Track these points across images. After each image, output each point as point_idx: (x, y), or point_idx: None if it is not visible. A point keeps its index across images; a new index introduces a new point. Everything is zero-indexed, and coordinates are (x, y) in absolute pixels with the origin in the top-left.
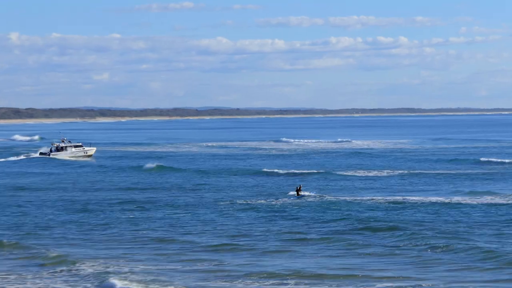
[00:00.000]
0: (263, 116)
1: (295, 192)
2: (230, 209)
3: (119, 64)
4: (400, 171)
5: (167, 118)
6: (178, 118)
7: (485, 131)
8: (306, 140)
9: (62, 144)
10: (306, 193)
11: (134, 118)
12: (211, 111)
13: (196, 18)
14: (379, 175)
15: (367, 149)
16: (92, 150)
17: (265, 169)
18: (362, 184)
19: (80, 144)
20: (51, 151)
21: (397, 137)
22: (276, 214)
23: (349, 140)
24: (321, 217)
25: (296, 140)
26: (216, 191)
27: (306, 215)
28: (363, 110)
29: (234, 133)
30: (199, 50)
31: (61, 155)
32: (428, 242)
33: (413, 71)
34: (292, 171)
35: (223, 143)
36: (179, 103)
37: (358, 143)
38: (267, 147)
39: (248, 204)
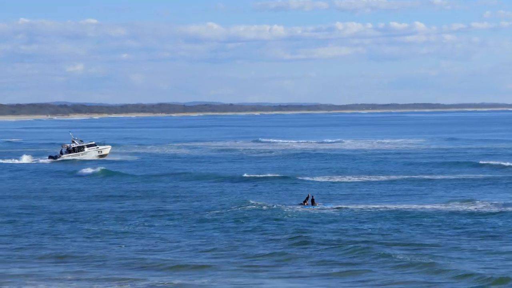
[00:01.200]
0: (258, 113)
1: (303, 203)
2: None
3: (95, 54)
4: (370, 176)
5: (150, 114)
6: (163, 115)
7: (510, 130)
8: (287, 141)
9: (74, 145)
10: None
11: (113, 115)
12: (200, 107)
13: (183, 1)
14: (341, 180)
15: (354, 150)
16: (106, 149)
17: (222, 173)
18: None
19: (93, 143)
20: (61, 153)
21: (404, 136)
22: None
23: (341, 140)
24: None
25: (276, 140)
26: (162, 199)
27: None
28: (374, 106)
29: (213, 131)
30: (187, 38)
31: (74, 157)
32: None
33: (431, 62)
34: (245, 175)
35: (192, 144)
36: (164, 98)
37: (349, 144)
38: (240, 148)
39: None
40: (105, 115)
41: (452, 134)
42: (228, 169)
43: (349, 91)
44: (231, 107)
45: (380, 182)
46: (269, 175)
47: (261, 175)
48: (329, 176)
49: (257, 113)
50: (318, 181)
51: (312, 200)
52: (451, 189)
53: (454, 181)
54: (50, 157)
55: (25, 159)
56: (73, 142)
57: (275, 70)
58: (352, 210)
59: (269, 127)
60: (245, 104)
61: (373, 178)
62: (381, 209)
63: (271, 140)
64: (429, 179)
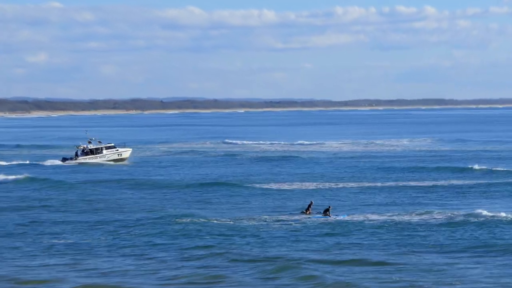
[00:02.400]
0: (242, 111)
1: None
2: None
3: (60, 42)
4: (328, 183)
5: (123, 112)
6: (138, 112)
7: None
8: (258, 142)
9: (91, 146)
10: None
11: (81, 112)
12: (180, 103)
13: None
14: (291, 187)
15: (329, 153)
16: (126, 152)
17: (164, 180)
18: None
19: (113, 144)
20: (76, 155)
21: (401, 137)
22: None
23: (321, 142)
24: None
25: (246, 141)
26: (79, 211)
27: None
28: (377, 102)
29: (182, 131)
30: (164, 24)
31: (91, 160)
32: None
33: (443, 51)
34: (177, 180)
35: (150, 146)
36: (139, 93)
37: (329, 146)
38: (200, 150)
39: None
40: (71, 113)
41: (461, 134)
42: (174, 174)
43: (349, 85)
44: (215, 104)
45: (334, 189)
46: (217, 181)
47: (206, 182)
48: (281, 183)
49: (241, 110)
50: (268, 188)
51: (327, 212)
52: (408, 198)
53: (419, 189)
54: (63, 159)
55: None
56: (90, 143)
57: (265, 61)
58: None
59: (247, 126)
60: (231, 100)
61: (328, 185)
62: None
63: (238, 141)
64: (389, 187)
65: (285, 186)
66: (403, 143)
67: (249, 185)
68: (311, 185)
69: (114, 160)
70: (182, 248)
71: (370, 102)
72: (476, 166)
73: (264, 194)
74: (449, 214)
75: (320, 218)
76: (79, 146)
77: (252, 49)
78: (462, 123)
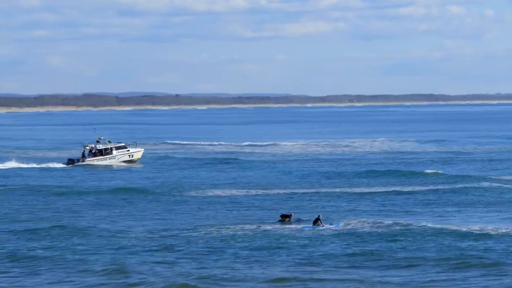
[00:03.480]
0: (204, 107)
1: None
2: None
3: (2, 31)
4: (250, 190)
5: (73, 108)
6: (90, 108)
7: None
8: (201, 143)
9: (100, 146)
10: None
11: (26, 109)
12: (138, 98)
13: None
14: (214, 194)
15: (277, 155)
16: (138, 153)
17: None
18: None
19: (123, 144)
20: (83, 156)
21: (370, 136)
22: None
23: (275, 142)
24: None
25: (187, 142)
26: None
27: None
28: (360, 97)
29: (122, 131)
30: (120, 10)
31: (100, 162)
32: None
33: (433, 41)
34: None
35: (73, 146)
36: (92, 87)
37: (281, 147)
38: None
39: None
40: (15, 109)
41: (443, 134)
42: (87, 180)
43: (328, 79)
44: (177, 99)
45: (255, 197)
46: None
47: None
48: (204, 191)
49: (203, 107)
50: (191, 196)
51: (317, 219)
52: (330, 205)
53: (345, 196)
54: (69, 161)
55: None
56: (98, 142)
57: (233, 52)
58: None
59: (200, 124)
60: (195, 95)
61: (249, 192)
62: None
63: (179, 142)
64: (316, 193)
65: (205, 194)
66: (368, 144)
67: (164, 192)
68: (231, 193)
69: (125, 162)
70: None
71: (351, 98)
72: (429, 170)
73: (181, 203)
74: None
75: (310, 228)
76: (87, 146)
77: (218, 39)
78: (449, 121)
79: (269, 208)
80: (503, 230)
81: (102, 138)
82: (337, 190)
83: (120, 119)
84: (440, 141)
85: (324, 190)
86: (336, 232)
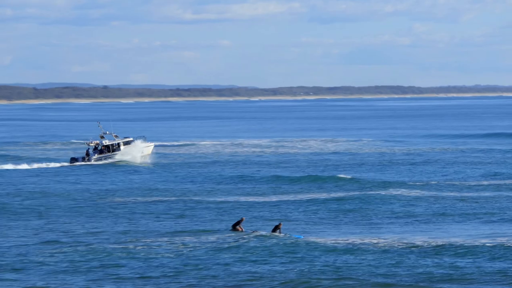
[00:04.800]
0: (132, 101)
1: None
2: None
3: None
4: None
5: None
6: (3, 102)
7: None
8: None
9: (106, 142)
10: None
11: None
12: (59, 90)
13: None
14: None
15: (183, 155)
16: (148, 148)
17: None
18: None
19: (131, 138)
20: (87, 155)
21: (296, 134)
22: None
23: (193, 142)
24: None
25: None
26: None
27: None
28: (317, 90)
29: (19, 129)
30: None
31: (107, 160)
32: None
33: (401, 24)
34: None
35: None
36: (5, 78)
37: (201, 146)
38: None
39: None
40: None
41: (387, 132)
42: None
43: (280, 69)
44: (104, 92)
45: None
46: None
47: None
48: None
49: (130, 101)
50: None
51: (276, 227)
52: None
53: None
54: (72, 160)
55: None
56: (102, 138)
57: (170, 37)
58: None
59: (108, 121)
60: (126, 87)
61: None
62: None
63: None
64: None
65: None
66: (298, 144)
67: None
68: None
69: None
70: None
71: (306, 90)
72: (343, 175)
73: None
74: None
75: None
76: (90, 142)
77: (152, 21)
78: (411, 117)
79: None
80: (376, 243)
81: (107, 132)
82: (221, 198)
83: (21, 115)
84: (387, 141)
85: (212, 198)
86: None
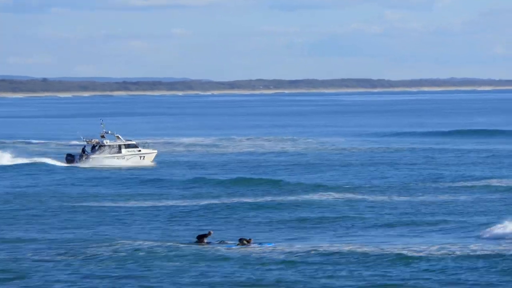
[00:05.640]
0: (69, 95)
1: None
2: None
3: None
4: None
5: None
6: None
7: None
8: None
9: (106, 142)
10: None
11: None
12: None
13: None
14: None
15: None
16: (151, 155)
17: None
18: None
19: (134, 142)
20: (83, 152)
21: (220, 133)
22: None
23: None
24: None
25: None
26: None
27: None
28: (279, 83)
29: None
30: None
31: (108, 161)
32: None
33: (371, 12)
34: None
35: None
36: None
37: None
38: None
39: None
40: None
41: (333, 130)
42: None
43: (239, 60)
44: (45, 85)
45: None
46: None
47: None
48: None
49: (67, 95)
50: None
51: (244, 241)
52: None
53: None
54: (68, 157)
55: (6, 159)
56: (103, 137)
57: (117, 25)
58: None
59: (30, 118)
60: (68, 80)
61: None
62: None
63: None
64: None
65: None
66: (232, 144)
67: None
68: None
69: (135, 163)
70: None
71: (266, 84)
72: (272, 177)
73: None
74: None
75: (233, 247)
76: (90, 140)
77: (97, 8)
78: (366, 113)
79: None
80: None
81: (109, 132)
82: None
83: None
84: (339, 139)
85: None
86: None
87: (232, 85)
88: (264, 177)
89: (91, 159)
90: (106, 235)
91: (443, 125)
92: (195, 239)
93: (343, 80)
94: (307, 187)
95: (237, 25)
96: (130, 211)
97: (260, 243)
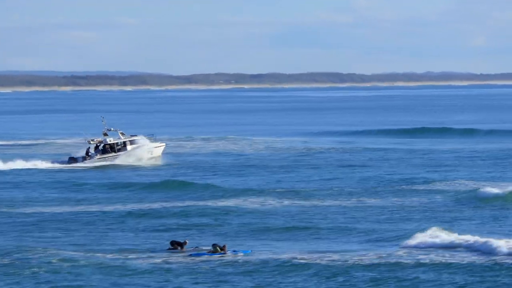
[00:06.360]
0: (11, 90)
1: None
2: None
3: None
4: None
5: None
6: None
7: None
8: None
9: (110, 140)
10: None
11: None
12: None
13: None
14: None
15: None
16: (159, 148)
17: None
18: None
19: (139, 137)
20: (87, 154)
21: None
22: None
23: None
24: None
25: None
26: None
27: None
28: (240, 77)
29: None
30: None
31: (111, 160)
32: None
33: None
34: None
35: None
36: None
37: None
38: None
39: None
40: None
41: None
42: None
43: (194, 53)
44: None
45: None
46: None
47: None
48: None
49: (6, 90)
50: None
51: (217, 247)
52: None
53: None
54: (70, 160)
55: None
56: (106, 135)
57: (60, 14)
58: None
59: None
60: (8, 74)
61: None
62: None
63: None
64: None
65: None
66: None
67: None
68: None
69: (146, 159)
70: None
71: (227, 78)
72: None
73: None
74: None
75: (206, 255)
76: (91, 140)
77: None
78: (324, 110)
79: None
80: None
81: (112, 129)
82: None
83: None
84: (284, 139)
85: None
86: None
87: (189, 79)
88: (193, 180)
89: (96, 160)
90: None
91: (403, 123)
92: (169, 245)
93: (310, 74)
94: (232, 192)
95: (193, 14)
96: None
97: (234, 251)
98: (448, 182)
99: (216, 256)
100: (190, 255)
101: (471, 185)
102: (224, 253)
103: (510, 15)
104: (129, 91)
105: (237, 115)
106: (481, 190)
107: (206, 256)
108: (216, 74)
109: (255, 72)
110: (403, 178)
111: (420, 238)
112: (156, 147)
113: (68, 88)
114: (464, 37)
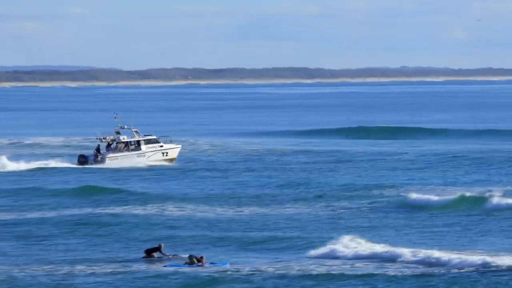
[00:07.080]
0: None
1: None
2: None
3: None
4: None
5: None
6: None
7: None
8: None
9: (123, 138)
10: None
11: None
12: None
13: None
14: None
15: None
16: (175, 150)
17: None
18: None
19: (154, 137)
20: (98, 151)
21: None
22: None
23: None
24: None
25: None
26: None
27: None
28: (200, 73)
29: None
30: None
31: (124, 161)
32: None
33: None
34: None
35: None
36: None
37: None
38: None
39: None
40: None
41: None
42: None
43: (152, 46)
44: None
45: None
46: None
47: None
48: None
49: None
50: None
51: (194, 259)
52: None
53: None
54: (80, 159)
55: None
56: (118, 133)
57: (1, 3)
58: None
59: None
60: None
61: None
62: None
63: None
64: None
65: None
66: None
67: None
68: None
69: (159, 160)
70: None
71: (185, 73)
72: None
73: None
74: None
75: (182, 267)
76: (104, 138)
77: None
78: (278, 108)
79: None
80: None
81: (125, 127)
82: None
83: None
84: (224, 140)
85: None
86: None
87: (144, 74)
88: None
89: (107, 159)
90: None
91: (362, 122)
92: (143, 254)
93: (275, 69)
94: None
95: (149, 5)
96: None
97: (212, 263)
98: (388, 189)
99: (188, 268)
100: (165, 266)
101: (404, 192)
102: (202, 265)
103: (492, 5)
104: (73, 87)
105: (182, 113)
106: (411, 197)
107: (180, 267)
108: (173, 69)
109: (215, 67)
110: (343, 183)
111: (330, 247)
112: (171, 148)
113: (9, 84)
114: (442, 29)
